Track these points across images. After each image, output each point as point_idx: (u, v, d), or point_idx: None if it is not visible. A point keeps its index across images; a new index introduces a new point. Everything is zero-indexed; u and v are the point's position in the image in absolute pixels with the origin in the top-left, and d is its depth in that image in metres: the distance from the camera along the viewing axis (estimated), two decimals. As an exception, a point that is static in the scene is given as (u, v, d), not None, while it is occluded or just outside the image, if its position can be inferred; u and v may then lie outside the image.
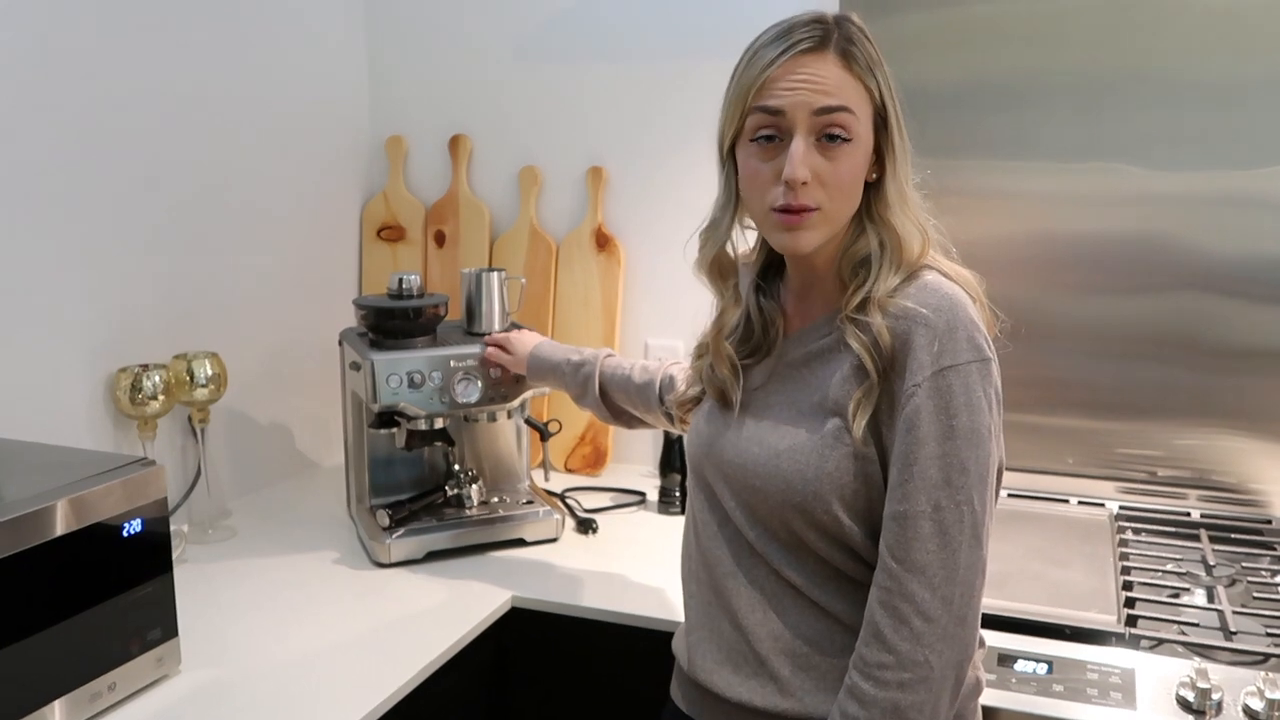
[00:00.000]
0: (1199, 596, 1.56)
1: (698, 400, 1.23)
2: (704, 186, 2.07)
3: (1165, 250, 1.81)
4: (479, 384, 1.72)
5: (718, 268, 1.16)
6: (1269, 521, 1.81)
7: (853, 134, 1.02)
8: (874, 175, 1.07)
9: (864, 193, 1.07)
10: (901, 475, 1.00)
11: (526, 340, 1.72)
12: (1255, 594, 1.54)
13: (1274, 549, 1.72)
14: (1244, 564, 1.67)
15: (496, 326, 1.85)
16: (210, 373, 1.77)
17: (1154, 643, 1.41)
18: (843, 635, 1.07)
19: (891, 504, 1.01)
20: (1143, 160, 1.80)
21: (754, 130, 1.05)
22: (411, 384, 1.68)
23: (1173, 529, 1.80)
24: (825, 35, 1.03)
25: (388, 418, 1.72)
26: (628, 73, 2.10)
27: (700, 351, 1.22)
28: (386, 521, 1.72)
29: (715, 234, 1.14)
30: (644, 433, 2.17)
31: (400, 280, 1.77)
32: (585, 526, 1.87)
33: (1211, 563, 1.64)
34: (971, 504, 0.99)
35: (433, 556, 1.73)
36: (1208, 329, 1.81)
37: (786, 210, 1.03)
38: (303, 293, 2.13)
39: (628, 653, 1.55)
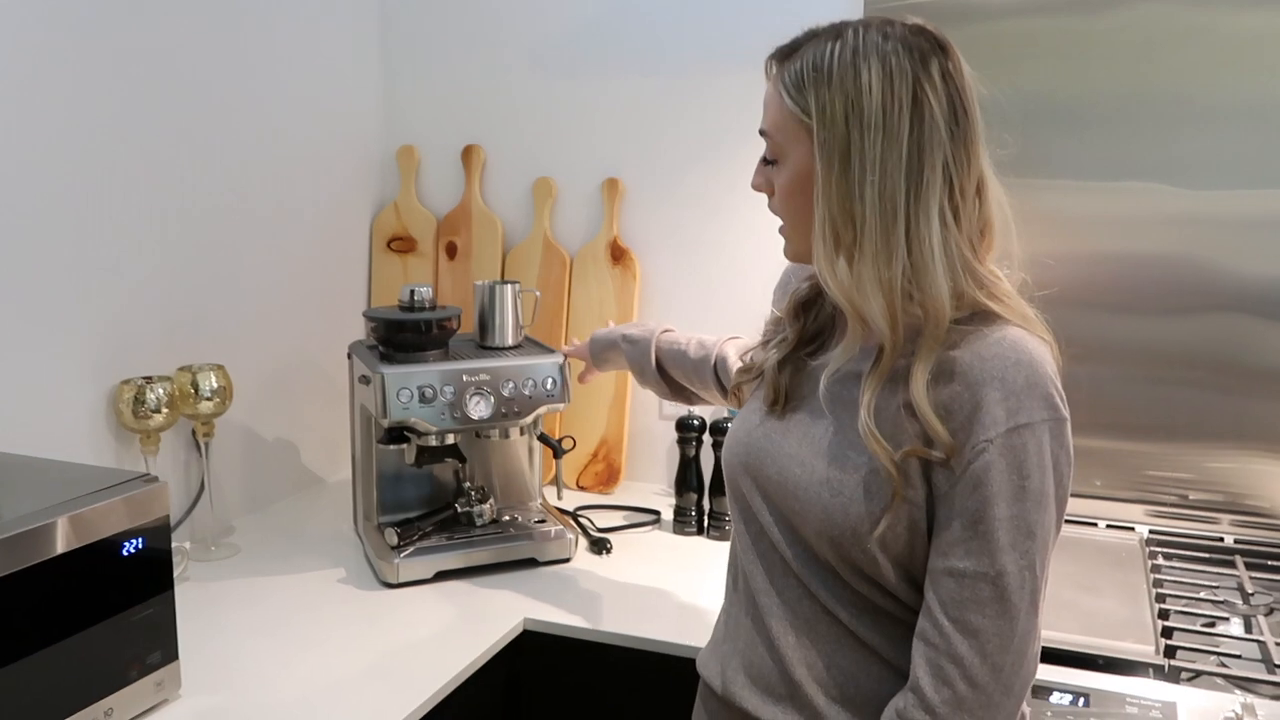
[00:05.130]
0: (1238, 626, 1.50)
1: (758, 375, 1.16)
2: (721, 199, 2.05)
3: (1199, 271, 1.77)
4: (491, 399, 1.67)
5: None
6: (1306, 548, 1.75)
7: (776, 155, 1.03)
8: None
9: None
10: (965, 533, 0.94)
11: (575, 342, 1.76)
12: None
13: (1313, 577, 1.67)
14: (1286, 593, 1.61)
15: (510, 340, 1.80)
16: (215, 385, 1.72)
17: (1193, 675, 1.35)
18: (880, 668, 1.01)
19: (950, 559, 0.94)
20: (1178, 180, 1.75)
21: None
22: (423, 399, 1.63)
23: (1206, 555, 1.74)
24: (780, 54, 1.04)
25: (397, 433, 1.67)
26: (644, 84, 2.06)
27: (766, 337, 1.19)
28: (395, 540, 1.67)
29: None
30: (659, 449, 2.14)
31: (412, 292, 1.72)
32: (599, 546, 1.82)
33: (1249, 590, 1.59)
34: (1034, 569, 0.93)
35: (442, 576, 1.68)
36: (1241, 350, 1.76)
37: None
38: (311, 304, 2.09)
39: (644, 678, 1.50)
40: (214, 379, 1.72)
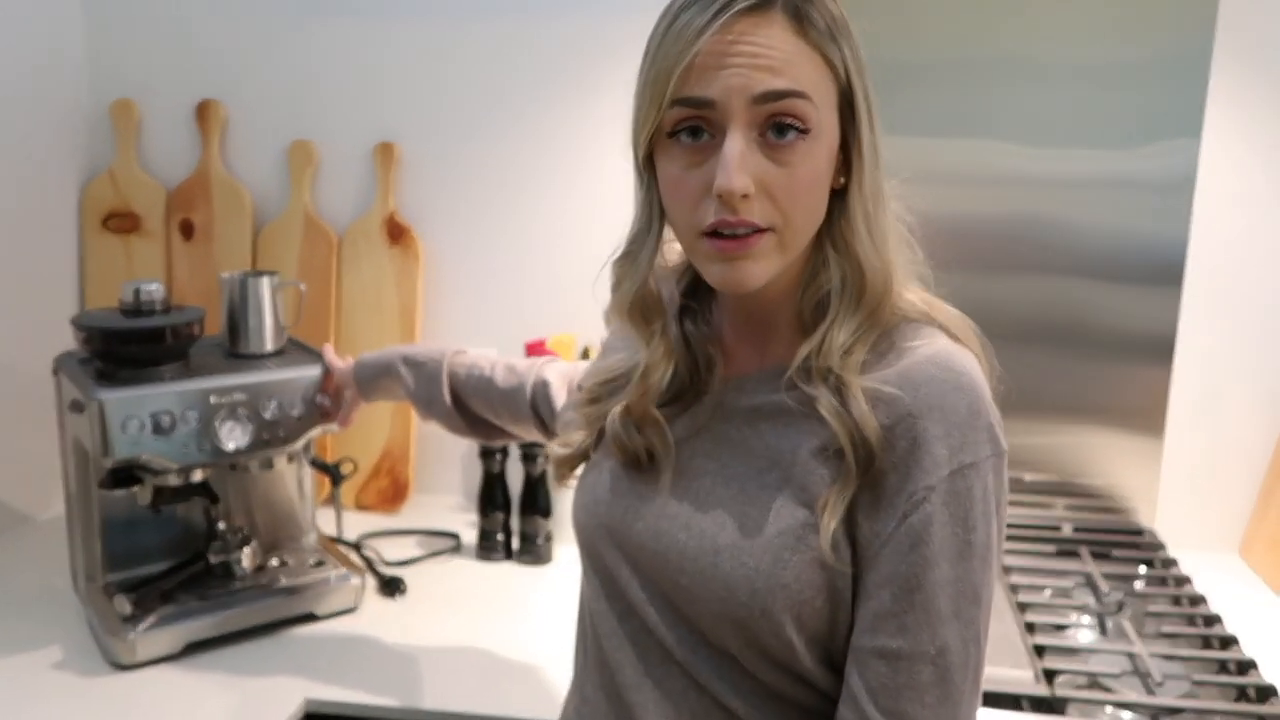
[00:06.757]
0: (1104, 632, 1.41)
1: (585, 457, 0.93)
2: (522, 167, 1.76)
3: (1035, 230, 1.67)
4: (249, 425, 1.33)
5: (639, 310, 0.85)
6: (1140, 533, 1.70)
7: (810, 124, 0.74)
8: (840, 181, 0.79)
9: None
10: (899, 603, 0.74)
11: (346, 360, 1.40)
12: (1164, 629, 1.40)
13: (1153, 565, 1.61)
14: (1133, 585, 1.54)
15: (268, 345, 1.47)
16: None
17: (1077, 702, 1.23)
18: None
19: (880, 636, 0.75)
20: (1016, 138, 1.64)
21: (674, 124, 0.75)
22: (158, 429, 1.28)
23: (1052, 546, 1.66)
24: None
25: (126, 474, 1.31)
26: (427, 28, 1.74)
27: (593, 396, 0.91)
28: (128, 609, 1.31)
29: (633, 269, 0.83)
30: (452, 457, 1.85)
31: (137, 291, 1.35)
32: (391, 588, 1.52)
33: (1103, 589, 1.49)
34: (978, 641, 0.75)
35: (194, 649, 1.34)
36: (1079, 314, 1.68)
37: (720, 234, 0.74)
38: (1, 303, 1.65)
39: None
40: None
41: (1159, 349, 1.66)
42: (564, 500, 1.61)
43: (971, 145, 1.66)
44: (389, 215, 1.78)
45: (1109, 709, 1.23)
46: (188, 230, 1.83)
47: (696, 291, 0.90)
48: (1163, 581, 1.55)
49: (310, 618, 1.43)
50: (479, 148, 1.76)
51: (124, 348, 1.32)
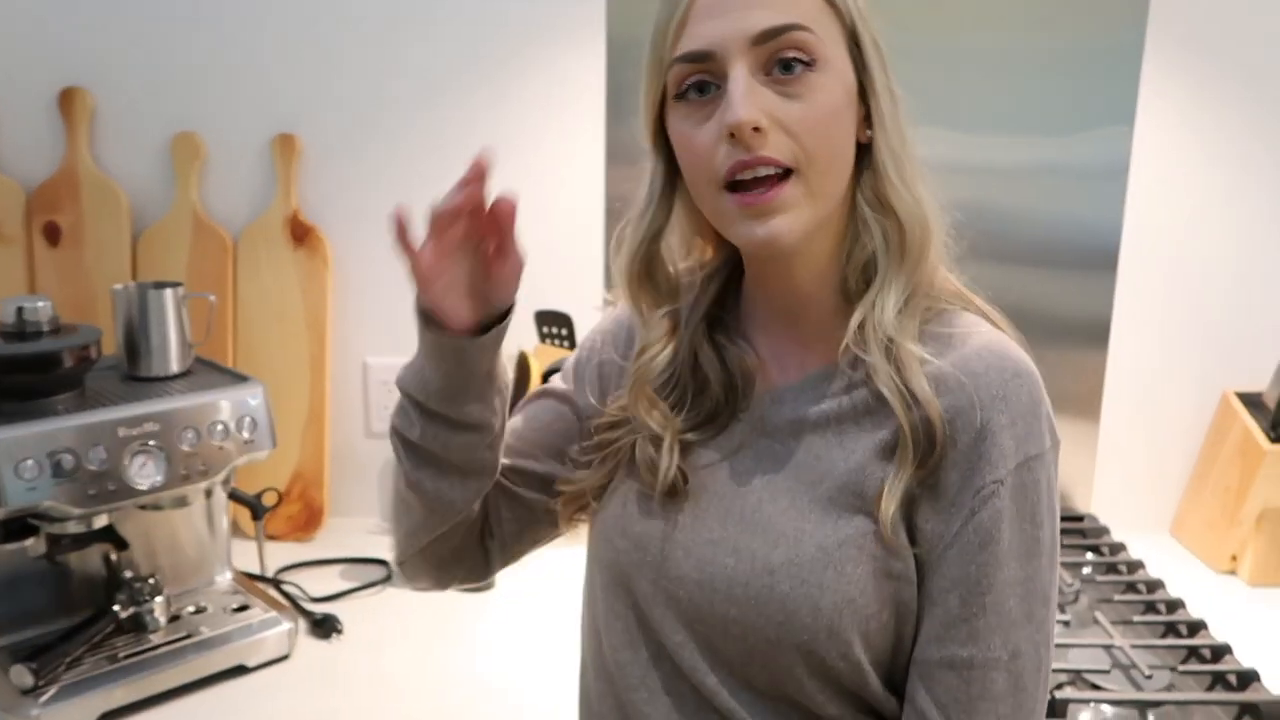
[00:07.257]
0: (1067, 624, 1.39)
1: (601, 489, 0.83)
2: (430, 157, 1.63)
3: (971, 217, 1.60)
4: (163, 458, 1.17)
5: (640, 281, 0.80)
6: (1081, 519, 1.71)
7: (815, 55, 0.70)
8: (867, 134, 0.75)
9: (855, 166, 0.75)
10: (967, 607, 0.70)
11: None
12: (1126, 616, 1.39)
13: (1101, 551, 1.61)
14: (1084, 572, 1.54)
15: (174, 367, 1.31)
16: None
17: (1076, 703, 1.20)
18: None
19: (948, 645, 0.70)
20: (951, 125, 1.61)
21: (678, 84, 0.72)
22: (59, 471, 1.10)
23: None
24: None
25: (20, 525, 1.13)
26: (326, 6, 1.58)
27: (614, 420, 0.82)
28: (29, 680, 1.13)
29: (634, 232, 0.79)
30: (366, 475, 1.74)
31: (20, 310, 1.17)
32: (325, 628, 1.37)
33: (1067, 579, 1.48)
34: (1049, 644, 0.72)
35: (112, 718, 1.16)
36: (1013, 299, 1.60)
37: (742, 187, 0.70)
38: None
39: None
40: None
41: (1095, 334, 1.67)
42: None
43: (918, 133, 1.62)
44: (291, 214, 1.61)
45: (1102, 707, 1.21)
46: (53, 235, 1.61)
47: (724, 303, 0.84)
48: (1114, 568, 1.55)
49: (240, 670, 1.27)
50: (390, 138, 1.61)
51: (9, 377, 1.14)
